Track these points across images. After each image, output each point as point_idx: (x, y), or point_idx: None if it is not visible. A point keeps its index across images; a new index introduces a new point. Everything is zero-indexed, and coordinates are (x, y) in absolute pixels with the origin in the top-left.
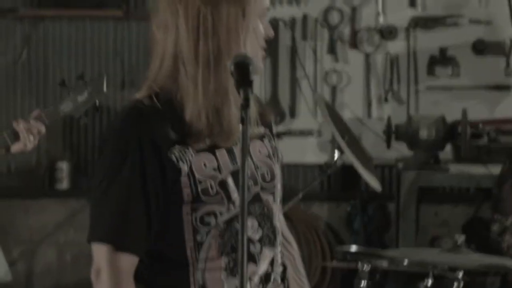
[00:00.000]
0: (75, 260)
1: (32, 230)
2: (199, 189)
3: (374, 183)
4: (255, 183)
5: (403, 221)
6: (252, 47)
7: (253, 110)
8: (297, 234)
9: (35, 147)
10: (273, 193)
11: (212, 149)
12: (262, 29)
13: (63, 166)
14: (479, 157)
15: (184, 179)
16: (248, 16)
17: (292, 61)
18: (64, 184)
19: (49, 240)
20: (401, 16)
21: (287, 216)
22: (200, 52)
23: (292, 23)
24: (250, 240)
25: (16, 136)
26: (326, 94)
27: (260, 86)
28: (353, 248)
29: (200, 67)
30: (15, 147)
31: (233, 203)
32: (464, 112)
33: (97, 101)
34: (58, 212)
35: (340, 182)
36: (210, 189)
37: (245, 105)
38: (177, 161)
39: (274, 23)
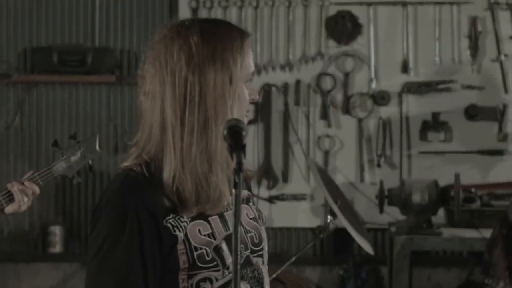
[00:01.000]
0: None
1: None
2: (195, 256)
3: (367, 247)
4: (246, 247)
5: (396, 285)
6: (238, 112)
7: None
8: None
9: (28, 208)
10: (262, 256)
11: (205, 216)
12: (246, 93)
13: (56, 230)
14: (472, 221)
15: (180, 247)
16: (235, 82)
17: (284, 126)
18: (57, 248)
19: None
20: (393, 81)
21: (279, 280)
22: (186, 121)
23: (285, 88)
24: None
25: (10, 198)
26: (319, 159)
27: (253, 150)
28: None
29: (184, 135)
30: (9, 209)
31: (228, 268)
32: (457, 177)
33: (90, 161)
34: (51, 276)
35: (332, 246)
36: (205, 255)
37: (238, 170)
38: (173, 229)
39: (267, 88)
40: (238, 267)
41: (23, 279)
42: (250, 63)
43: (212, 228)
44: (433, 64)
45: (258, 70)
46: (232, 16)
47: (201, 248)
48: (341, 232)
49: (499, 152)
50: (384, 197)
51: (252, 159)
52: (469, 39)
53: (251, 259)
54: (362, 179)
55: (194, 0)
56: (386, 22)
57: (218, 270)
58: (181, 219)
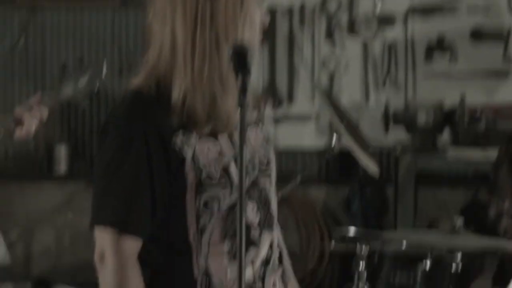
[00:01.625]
0: (73, 242)
1: (30, 213)
2: (203, 174)
3: (372, 168)
4: (254, 168)
5: (401, 204)
6: (250, 35)
7: (249, 96)
8: (295, 218)
9: (36, 131)
10: (269, 176)
11: (214, 135)
12: (259, 17)
13: (61, 150)
14: (477, 141)
15: (188, 165)
16: (246, 5)
17: (290, 47)
18: (62, 167)
19: (47, 223)
20: (399, 3)
21: (285, 199)
22: (197, 42)
23: (290, 11)
24: (250, 224)
25: (18, 122)
26: (324, 80)
27: (258, 72)
28: (351, 231)
29: (196, 55)
30: (18, 133)
31: (236, 187)
32: (462, 98)
33: (96, 86)
34: (56, 195)
35: (338, 166)
36: (214, 173)
37: (243, 90)
38: (182, 147)
39: (273, 10)
40: (243, 186)
41: (28, 198)
42: None
43: (221, 147)
44: None
45: None
46: None
47: (209, 166)
48: (347, 153)
49: (504, 73)
50: (390, 118)
51: (257, 80)
52: None
53: (258, 179)
54: (367, 100)
55: None
56: None
57: (226, 189)
58: (190, 136)
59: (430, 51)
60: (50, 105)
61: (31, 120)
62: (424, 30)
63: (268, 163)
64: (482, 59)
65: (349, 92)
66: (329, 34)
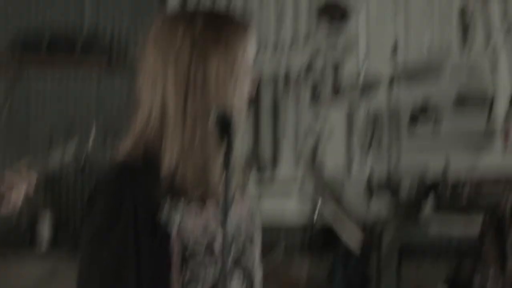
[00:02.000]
0: None
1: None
2: (189, 245)
3: (353, 243)
4: (239, 235)
5: (385, 277)
6: (239, 103)
7: (236, 162)
8: None
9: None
10: (256, 246)
11: (201, 204)
12: (247, 84)
13: (44, 224)
14: (460, 214)
15: (174, 237)
16: (236, 72)
17: (274, 115)
18: (45, 239)
19: None
20: (383, 69)
21: (268, 274)
22: (188, 109)
23: (274, 78)
24: None
25: (8, 188)
26: (308, 148)
27: (243, 139)
28: None
29: (187, 123)
30: (3, 210)
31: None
32: (446, 167)
33: (86, 153)
34: (39, 270)
35: (321, 239)
36: (199, 250)
37: (227, 154)
38: (168, 219)
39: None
40: (227, 263)
41: (11, 273)
42: (252, 52)
43: (207, 218)
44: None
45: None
46: None
47: (195, 244)
48: (329, 228)
49: (488, 138)
50: (373, 186)
51: (241, 147)
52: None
53: (245, 247)
54: (350, 168)
55: None
56: None
57: (209, 267)
58: (176, 208)
59: (414, 118)
60: (38, 172)
61: (21, 185)
62: (408, 96)
63: (254, 231)
64: (466, 124)
65: (332, 160)
66: (313, 103)
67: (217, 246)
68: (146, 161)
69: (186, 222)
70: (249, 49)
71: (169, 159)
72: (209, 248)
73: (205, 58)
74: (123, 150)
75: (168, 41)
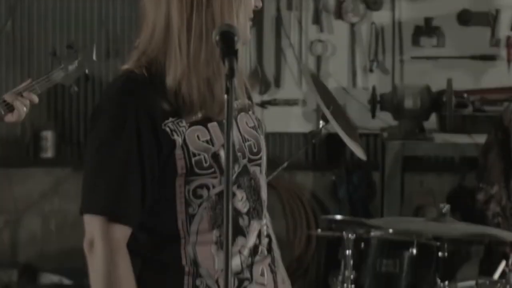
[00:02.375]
0: (59, 228)
1: (17, 199)
2: (193, 162)
3: (359, 152)
4: (243, 155)
5: (388, 190)
6: (243, 18)
7: (240, 81)
8: (282, 203)
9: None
10: (259, 165)
11: (204, 122)
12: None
13: (48, 135)
14: (464, 126)
15: (178, 152)
16: None
17: (277, 31)
18: (49, 153)
19: (34, 209)
20: None
21: (272, 186)
22: (193, 24)
23: None
24: (238, 213)
25: (8, 107)
26: (311, 64)
27: (245, 56)
28: (338, 217)
29: (192, 39)
30: (9, 118)
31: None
32: (449, 82)
33: (87, 70)
34: (43, 181)
35: (325, 151)
36: (203, 161)
37: (230, 75)
38: (172, 133)
39: None
40: (230, 170)
41: (15, 184)
42: None
43: (210, 135)
44: None
45: None
46: None
47: (199, 154)
48: (334, 138)
49: (491, 57)
50: (376, 102)
51: (244, 64)
52: None
53: (248, 168)
54: (354, 84)
55: None
56: None
57: (216, 177)
58: (180, 123)
59: (417, 35)
60: (40, 90)
61: (22, 105)
62: (411, 13)
63: (258, 152)
64: (470, 43)
65: (336, 76)
66: (316, 19)
67: (223, 155)
68: (150, 74)
69: (192, 133)
70: None
71: (173, 74)
72: (214, 159)
73: None
74: (128, 65)
75: None
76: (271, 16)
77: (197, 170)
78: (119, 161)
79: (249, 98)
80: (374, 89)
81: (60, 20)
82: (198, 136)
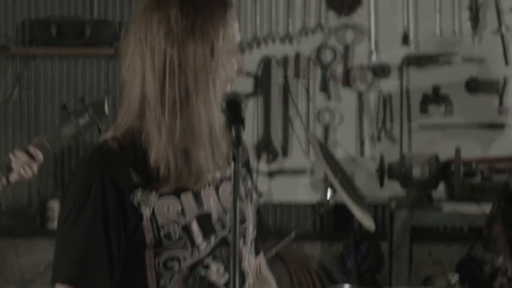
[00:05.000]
0: None
1: (24, 269)
2: (162, 234)
3: (367, 222)
4: (223, 226)
5: (396, 261)
6: (221, 84)
7: (223, 151)
8: (289, 274)
9: (28, 180)
10: (243, 236)
11: (177, 193)
12: (233, 64)
13: (55, 205)
14: (472, 195)
15: (146, 223)
16: (217, 54)
17: (284, 99)
18: (55, 223)
19: (41, 280)
20: (394, 54)
21: (279, 256)
22: (167, 94)
23: (284, 61)
24: (215, 285)
25: (8, 168)
26: (319, 133)
27: (252, 124)
28: (346, 287)
29: (166, 109)
30: (13, 177)
31: (197, 247)
32: (457, 151)
33: (99, 124)
34: (50, 252)
35: (332, 221)
36: (173, 233)
37: (236, 143)
38: (139, 205)
39: (267, 61)
40: (237, 247)
41: (21, 255)
42: (234, 33)
43: (182, 206)
44: (434, 36)
45: (258, 43)
46: None
47: (168, 226)
48: (341, 208)
49: (499, 126)
50: (385, 171)
51: (251, 132)
52: (470, 11)
53: (228, 239)
54: (362, 153)
55: None
56: None
57: (186, 249)
58: (149, 195)
59: (425, 103)
60: (50, 146)
61: (23, 166)
62: (419, 81)
63: (242, 222)
64: (478, 111)
65: (343, 145)
66: (324, 87)
67: (195, 229)
68: (124, 145)
69: (161, 205)
70: (231, 31)
71: (145, 144)
72: (185, 231)
73: (181, 44)
74: (105, 136)
75: (145, 30)
76: (278, 84)
77: (166, 242)
78: (84, 232)
79: (247, 166)
80: (382, 158)
81: (66, 86)
82: (168, 208)
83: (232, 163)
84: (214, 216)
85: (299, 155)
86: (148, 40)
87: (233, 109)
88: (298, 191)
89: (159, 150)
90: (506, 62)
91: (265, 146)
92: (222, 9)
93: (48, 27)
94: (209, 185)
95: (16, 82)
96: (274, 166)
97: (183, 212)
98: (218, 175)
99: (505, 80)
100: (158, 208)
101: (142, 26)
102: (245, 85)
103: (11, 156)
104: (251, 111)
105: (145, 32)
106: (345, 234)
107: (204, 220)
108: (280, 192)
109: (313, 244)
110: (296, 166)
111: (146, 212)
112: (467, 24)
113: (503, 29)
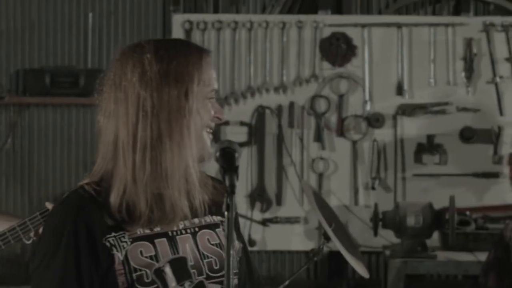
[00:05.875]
0: None
1: None
2: (134, 277)
3: (361, 270)
4: (200, 273)
5: None
6: (196, 129)
7: (201, 198)
8: None
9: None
10: (220, 284)
11: (151, 238)
12: (209, 110)
13: None
14: (467, 244)
15: (118, 267)
16: (191, 98)
17: (278, 148)
18: None
19: None
20: (388, 103)
21: None
22: (139, 137)
23: (278, 110)
24: None
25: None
26: (313, 182)
27: (246, 173)
28: None
29: (137, 151)
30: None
31: None
32: (452, 200)
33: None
34: None
35: (326, 269)
36: (145, 277)
37: (230, 192)
38: (111, 248)
39: (261, 111)
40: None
41: None
42: (210, 79)
43: (156, 251)
44: (428, 86)
45: (252, 92)
46: (226, 38)
47: (140, 270)
48: (335, 256)
49: (494, 175)
50: (379, 220)
51: (245, 181)
52: (464, 61)
53: (205, 285)
54: (356, 202)
55: (188, 22)
56: (381, 44)
57: (162, 281)
58: (122, 239)
59: (419, 152)
60: (34, 229)
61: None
62: (413, 131)
63: (220, 269)
64: (472, 160)
65: (338, 194)
66: (318, 137)
67: (168, 273)
68: (98, 190)
69: (134, 249)
70: (206, 77)
71: (117, 188)
72: (158, 272)
73: (155, 87)
74: (82, 182)
75: (120, 74)
76: (272, 134)
77: (138, 286)
78: (56, 278)
79: (220, 213)
80: (376, 206)
81: (60, 136)
82: (141, 252)
83: (226, 213)
84: (190, 261)
85: (293, 204)
86: (122, 84)
87: (227, 157)
88: (292, 239)
89: (130, 192)
90: (501, 112)
91: (259, 195)
92: (197, 54)
93: (42, 77)
94: (186, 231)
95: (10, 131)
96: (268, 215)
97: (156, 257)
98: (196, 221)
99: (499, 129)
100: (131, 252)
101: (117, 71)
102: (240, 134)
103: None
104: (245, 160)
105: (120, 77)
106: (339, 282)
107: (179, 264)
108: (274, 240)
109: None
110: (290, 215)
111: (119, 255)
112: (462, 74)
113: (497, 79)
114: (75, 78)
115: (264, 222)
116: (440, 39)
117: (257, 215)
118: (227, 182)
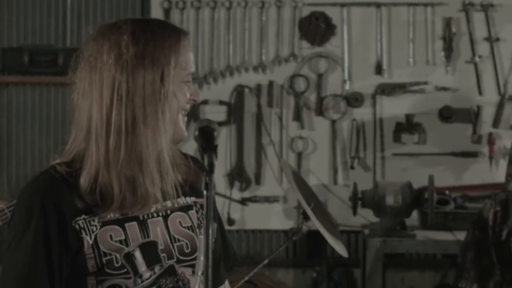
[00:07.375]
0: None
1: None
2: (104, 261)
3: (340, 249)
4: (170, 256)
5: None
6: (171, 112)
7: (174, 181)
8: None
9: None
10: (192, 266)
11: (121, 222)
12: (185, 93)
13: None
14: (446, 223)
15: (88, 251)
16: (167, 81)
17: (257, 127)
18: None
19: None
20: (367, 83)
21: (252, 283)
22: (113, 120)
23: (257, 89)
24: None
25: None
26: (292, 161)
27: (225, 152)
28: None
29: (111, 135)
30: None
31: (140, 276)
32: (431, 179)
33: None
34: None
35: (306, 248)
36: (115, 262)
37: (209, 171)
38: (81, 231)
39: (240, 90)
40: (210, 275)
41: None
42: (188, 62)
43: (126, 235)
44: (407, 65)
45: (231, 72)
46: (205, 17)
47: (110, 254)
48: (314, 235)
49: (473, 154)
50: (358, 199)
51: (224, 160)
52: (443, 41)
53: (175, 269)
54: (335, 181)
55: (167, 1)
56: (360, 23)
57: (129, 278)
58: (92, 222)
59: (398, 132)
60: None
61: None
62: (392, 110)
63: (191, 252)
64: (451, 139)
65: (317, 173)
66: (297, 116)
67: (138, 258)
68: (68, 173)
69: (104, 232)
70: (183, 60)
71: (88, 170)
72: (127, 260)
73: (131, 71)
74: (54, 162)
75: (96, 55)
76: (251, 113)
77: (108, 270)
78: (24, 257)
79: (199, 195)
80: (355, 186)
81: (39, 115)
82: (111, 236)
83: (205, 191)
84: (160, 245)
85: (272, 183)
86: (98, 66)
87: (206, 136)
88: (271, 218)
89: (103, 176)
90: (480, 92)
91: (238, 174)
92: (175, 37)
93: (20, 55)
94: (157, 214)
95: None
96: (247, 194)
97: (126, 241)
98: (168, 204)
99: (478, 109)
100: (101, 236)
101: (93, 52)
102: (219, 113)
103: None
104: (224, 139)
105: (95, 58)
106: (318, 261)
107: (149, 249)
108: (253, 219)
109: (286, 271)
110: (269, 194)
111: (88, 239)
112: (441, 54)
113: (476, 58)
114: (54, 57)
115: (243, 201)
116: (419, 19)
117: (236, 194)
118: (206, 161)
